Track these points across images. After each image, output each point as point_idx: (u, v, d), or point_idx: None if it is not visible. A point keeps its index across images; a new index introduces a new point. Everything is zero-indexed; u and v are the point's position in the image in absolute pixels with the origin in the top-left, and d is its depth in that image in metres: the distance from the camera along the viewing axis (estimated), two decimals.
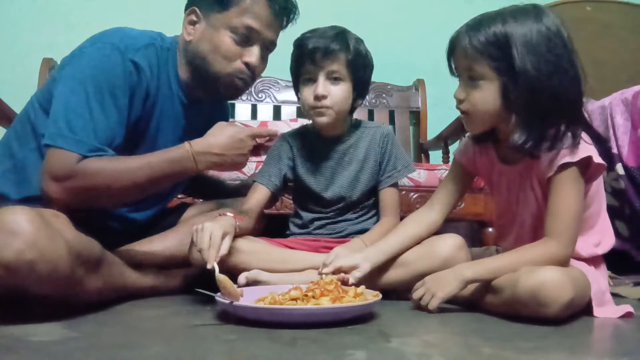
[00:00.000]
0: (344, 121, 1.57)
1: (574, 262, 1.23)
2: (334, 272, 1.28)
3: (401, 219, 1.49)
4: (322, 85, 1.45)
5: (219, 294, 1.15)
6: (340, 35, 1.47)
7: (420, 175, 2.10)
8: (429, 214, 1.42)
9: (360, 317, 1.12)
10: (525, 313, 1.12)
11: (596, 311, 1.19)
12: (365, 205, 1.57)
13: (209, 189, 1.75)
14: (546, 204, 1.23)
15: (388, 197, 1.55)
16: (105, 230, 1.28)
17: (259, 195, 1.52)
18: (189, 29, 1.39)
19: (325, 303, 1.10)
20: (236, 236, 1.34)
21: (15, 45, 2.61)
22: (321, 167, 1.57)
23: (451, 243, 1.36)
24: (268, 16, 1.39)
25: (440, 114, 2.68)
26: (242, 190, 1.67)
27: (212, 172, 1.79)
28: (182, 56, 1.41)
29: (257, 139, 1.42)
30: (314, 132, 1.60)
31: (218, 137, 1.33)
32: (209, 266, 1.21)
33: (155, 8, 2.47)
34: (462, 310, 1.26)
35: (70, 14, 2.63)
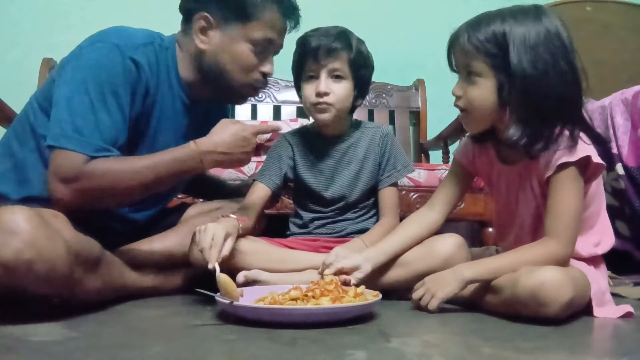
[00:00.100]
0: (344, 121, 1.57)
1: (573, 262, 1.23)
2: (335, 274, 1.28)
3: (401, 219, 1.49)
4: (324, 82, 1.47)
5: (219, 294, 1.15)
6: (343, 34, 1.49)
7: (420, 175, 2.10)
8: (430, 214, 1.42)
9: (360, 317, 1.12)
10: (525, 313, 1.12)
11: (596, 311, 1.19)
12: (365, 205, 1.57)
13: (209, 189, 1.75)
14: (545, 204, 1.23)
15: (387, 196, 1.56)
16: (105, 230, 1.28)
17: (259, 194, 1.52)
18: (202, 37, 1.38)
19: (325, 303, 1.10)
20: (238, 236, 1.35)
21: (15, 45, 2.61)
22: (321, 166, 1.57)
23: (451, 243, 1.37)
24: (281, 25, 1.42)
25: (440, 114, 2.68)
26: (242, 190, 1.67)
27: (213, 171, 1.79)
28: (191, 60, 1.41)
29: (260, 136, 1.42)
30: (314, 131, 1.61)
31: (222, 135, 1.33)
32: (209, 266, 1.21)
33: (155, 8, 2.47)
34: (462, 310, 1.26)
35: (70, 14, 2.63)
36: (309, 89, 1.49)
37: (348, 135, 1.58)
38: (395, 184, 1.57)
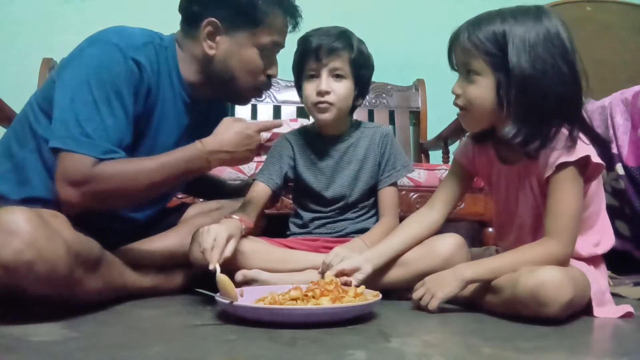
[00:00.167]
0: (344, 121, 1.58)
1: (573, 262, 1.23)
2: (336, 275, 1.28)
3: (401, 219, 1.49)
4: (325, 81, 1.47)
5: (219, 293, 1.15)
6: (344, 34, 1.50)
7: (420, 175, 2.10)
8: (430, 214, 1.42)
9: (360, 317, 1.12)
10: (525, 313, 1.12)
11: (596, 311, 1.19)
12: (365, 205, 1.57)
13: (209, 189, 1.75)
14: (545, 204, 1.23)
15: (387, 196, 1.56)
16: (105, 230, 1.28)
17: (260, 193, 1.52)
18: (210, 42, 1.38)
19: (325, 303, 1.10)
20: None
21: (15, 45, 2.61)
22: (322, 166, 1.57)
23: (451, 243, 1.37)
24: (286, 27, 1.44)
25: (440, 114, 2.68)
26: (242, 190, 1.67)
27: (213, 171, 1.79)
28: (196, 63, 1.41)
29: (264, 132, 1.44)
30: (314, 131, 1.61)
31: (227, 134, 1.34)
32: (210, 267, 1.22)
33: (155, 8, 2.46)
34: (462, 310, 1.26)
35: (69, 14, 2.63)
36: (310, 88, 1.50)
37: (348, 135, 1.58)
38: (395, 184, 1.57)
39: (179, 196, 1.81)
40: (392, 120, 2.85)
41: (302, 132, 1.63)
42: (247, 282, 1.35)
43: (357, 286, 1.23)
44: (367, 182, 1.56)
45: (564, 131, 1.20)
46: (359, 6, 2.81)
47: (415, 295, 1.26)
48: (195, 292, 1.21)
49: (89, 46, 1.30)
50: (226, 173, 1.99)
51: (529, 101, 1.18)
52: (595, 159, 1.20)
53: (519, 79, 1.17)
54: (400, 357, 0.88)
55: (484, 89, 1.22)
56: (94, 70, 1.26)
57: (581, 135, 1.21)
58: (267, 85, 1.48)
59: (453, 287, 1.21)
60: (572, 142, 1.19)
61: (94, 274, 1.19)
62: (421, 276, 1.29)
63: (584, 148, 1.20)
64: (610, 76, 2.58)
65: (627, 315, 1.21)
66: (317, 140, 1.59)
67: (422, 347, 0.95)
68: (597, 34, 2.81)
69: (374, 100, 2.82)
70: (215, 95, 1.50)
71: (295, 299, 1.13)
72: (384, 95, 2.84)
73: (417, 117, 2.87)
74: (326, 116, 1.50)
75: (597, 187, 1.29)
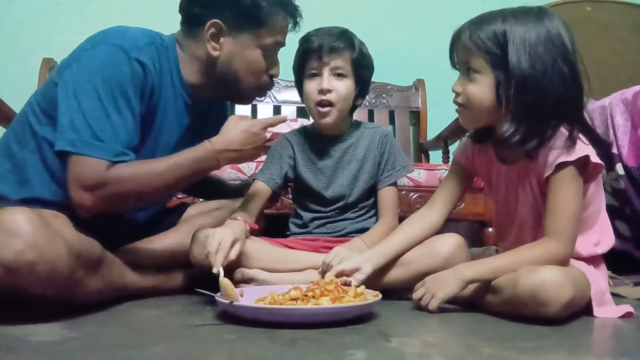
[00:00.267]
0: (344, 121, 1.58)
1: (573, 262, 1.23)
2: (336, 276, 1.28)
3: (401, 219, 1.49)
4: (327, 79, 1.48)
5: (219, 293, 1.15)
6: (345, 33, 1.52)
7: (420, 175, 2.10)
8: (430, 215, 1.42)
9: (360, 317, 1.12)
10: (525, 313, 1.12)
11: (596, 311, 1.19)
12: (364, 205, 1.58)
13: (209, 189, 1.75)
14: (545, 204, 1.23)
15: (387, 196, 1.56)
16: (105, 230, 1.28)
17: (260, 193, 1.53)
18: (213, 43, 1.39)
19: (325, 303, 1.10)
20: None
21: (15, 45, 2.61)
22: (321, 166, 1.57)
23: (451, 242, 1.37)
24: (287, 28, 1.44)
25: (440, 114, 2.68)
26: (242, 190, 1.67)
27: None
28: (198, 64, 1.41)
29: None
30: (314, 131, 1.61)
31: (234, 133, 1.35)
32: (214, 270, 1.22)
33: (155, 8, 2.47)
34: (462, 310, 1.26)
35: (69, 14, 2.63)
36: (312, 87, 1.50)
37: (348, 135, 1.59)
38: (394, 184, 1.57)
39: (179, 196, 1.81)
40: (392, 120, 2.85)
41: (302, 132, 1.63)
42: (246, 280, 1.35)
43: (357, 286, 1.23)
44: (367, 182, 1.56)
45: (564, 131, 1.20)
46: (359, 6, 2.81)
47: (416, 295, 1.26)
48: (195, 292, 1.21)
49: (91, 47, 1.29)
50: (226, 173, 1.99)
51: (528, 100, 1.18)
52: (595, 159, 1.20)
53: (518, 78, 1.18)
54: (400, 357, 0.88)
55: (483, 87, 1.22)
56: (99, 72, 1.25)
57: (581, 135, 1.22)
58: (270, 85, 1.49)
59: (453, 287, 1.21)
60: (571, 142, 1.19)
61: (94, 274, 1.19)
62: (421, 276, 1.29)
63: (584, 148, 1.20)
64: (610, 76, 2.58)
65: (627, 315, 1.21)
66: (317, 140, 1.59)
67: (422, 347, 0.95)
68: (597, 34, 2.81)
69: (374, 100, 2.82)
70: (217, 95, 1.50)
71: (295, 299, 1.13)
72: (384, 95, 2.84)
73: (417, 117, 2.87)
74: (327, 120, 1.51)
75: (596, 187, 1.29)
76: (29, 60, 2.52)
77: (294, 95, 2.41)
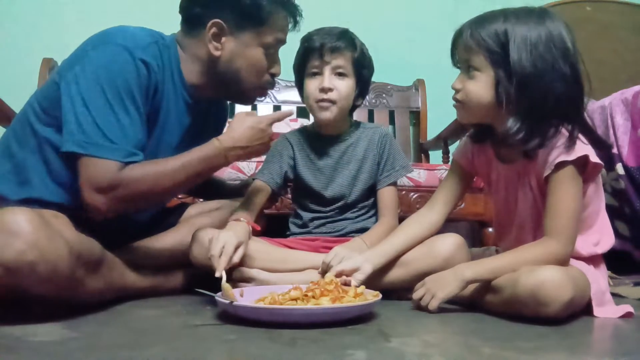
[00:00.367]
0: (344, 120, 1.58)
1: (573, 262, 1.23)
2: (336, 276, 1.28)
3: (401, 219, 1.49)
4: (328, 78, 1.49)
5: (219, 293, 1.15)
6: (347, 33, 1.53)
7: (420, 175, 2.10)
8: (430, 215, 1.42)
9: (360, 317, 1.12)
10: (525, 313, 1.12)
11: (596, 311, 1.19)
12: (364, 204, 1.58)
13: (209, 189, 1.75)
14: (544, 204, 1.23)
15: (386, 196, 1.56)
16: (106, 230, 1.28)
17: (260, 192, 1.53)
18: (215, 43, 1.38)
19: (325, 303, 1.10)
20: None
21: (15, 45, 2.61)
22: (321, 165, 1.57)
23: (451, 242, 1.37)
24: (287, 26, 1.44)
25: (440, 114, 2.68)
26: (242, 190, 1.67)
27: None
28: (199, 64, 1.41)
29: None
30: (314, 131, 1.61)
31: (241, 130, 1.35)
32: (217, 274, 1.23)
33: (155, 8, 2.46)
34: (462, 310, 1.26)
35: (70, 14, 2.63)
36: (312, 85, 1.51)
37: (347, 135, 1.59)
38: (394, 184, 1.57)
39: (179, 196, 1.81)
40: (392, 120, 2.85)
41: (302, 132, 1.63)
42: (245, 279, 1.35)
43: (357, 286, 1.23)
44: (366, 182, 1.56)
45: (564, 131, 1.20)
46: (359, 6, 2.81)
47: (416, 295, 1.26)
48: (195, 292, 1.21)
49: (94, 48, 1.28)
50: (226, 173, 1.99)
51: (529, 99, 1.19)
52: (594, 158, 1.20)
53: (519, 76, 1.18)
54: (400, 357, 0.88)
55: (482, 84, 1.23)
56: (104, 72, 1.25)
57: (580, 135, 1.22)
58: (271, 84, 1.49)
59: (453, 287, 1.21)
60: (571, 141, 1.19)
61: (94, 274, 1.19)
62: (421, 276, 1.29)
63: (583, 148, 1.20)
64: (610, 76, 2.58)
65: (627, 315, 1.21)
66: (317, 140, 1.60)
67: (422, 347, 0.95)
68: (597, 34, 2.81)
69: (374, 100, 2.82)
70: (219, 95, 1.50)
71: (295, 299, 1.13)
72: (384, 95, 2.84)
73: (417, 117, 2.87)
74: (327, 115, 1.51)
75: (596, 187, 1.29)
76: (29, 60, 2.52)
77: (294, 95, 2.41)
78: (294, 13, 1.44)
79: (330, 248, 1.40)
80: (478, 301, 1.25)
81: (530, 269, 1.13)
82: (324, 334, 1.01)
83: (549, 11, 1.24)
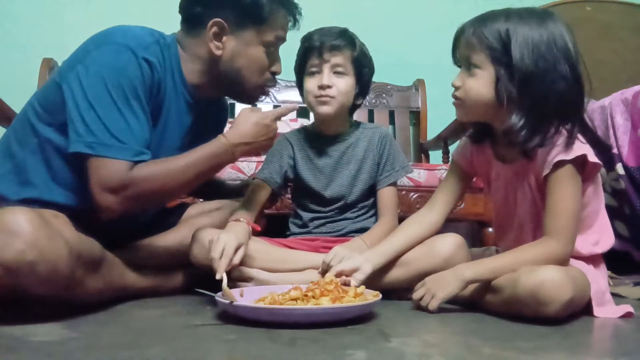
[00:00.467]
0: (344, 120, 1.58)
1: (573, 262, 1.23)
2: (336, 276, 1.28)
3: (401, 219, 1.49)
4: (327, 76, 1.49)
5: (219, 293, 1.15)
6: (346, 32, 1.53)
7: (420, 175, 2.10)
8: (429, 215, 1.42)
9: (360, 317, 1.12)
10: (525, 312, 1.12)
11: (596, 311, 1.19)
12: (364, 205, 1.58)
13: (209, 189, 1.75)
14: (544, 203, 1.23)
15: (386, 196, 1.56)
16: (106, 230, 1.28)
17: (260, 192, 1.53)
18: (216, 42, 1.39)
19: (325, 303, 1.10)
20: None
21: (15, 45, 2.61)
22: (321, 165, 1.57)
23: (451, 242, 1.37)
24: (287, 24, 1.45)
25: (440, 114, 2.68)
26: (242, 190, 1.67)
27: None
28: (200, 64, 1.41)
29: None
30: (314, 131, 1.61)
31: (246, 126, 1.36)
32: (217, 276, 1.23)
33: (155, 8, 2.46)
34: (462, 310, 1.26)
35: (70, 14, 2.63)
36: (312, 83, 1.51)
37: (347, 135, 1.59)
38: (394, 184, 1.57)
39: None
40: (392, 121, 2.85)
41: (302, 132, 1.63)
42: (244, 279, 1.35)
43: (357, 286, 1.23)
44: (366, 182, 1.56)
45: (563, 131, 1.21)
46: (359, 6, 2.81)
47: (416, 295, 1.26)
48: (195, 292, 1.21)
49: (96, 48, 1.28)
50: (226, 173, 1.99)
51: (531, 98, 1.19)
52: (592, 158, 1.21)
53: (521, 74, 1.18)
54: (400, 357, 0.88)
55: (482, 81, 1.23)
56: (108, 72, 1.25)
57: (579, 135, 1.22)
58: (273, 83, 1.49)
59: (453, 287, 1.21)
60: (570, 141, 1.19)
61: (94, 274, 1.19)
62: (421, 276, 1.29)
63: (581, 147, 1.20)
64: (610, 76, 2.58)
65: (627, 315, 1.21)
66: (317, 140, 1.60)
67: (422, 347, 0.95)
68: (597, 34, 2.81)
69: (374, 100, 2.82)
70: (220, 95, 1.51)
71: (295, 299, 1.13)
72: (384, 95, 2.84)
73: (417, 117, 2.87)
74: (327, 109, 1.51)
75: (595, 187, 1.29)
76: (29, 60, 2.52)
77: (294, 95, 2.41)
78: (293, 11, 1.44)
79: (330, 248, 1.40)
80: (478, 301, 1.25)
81: (530, 269, 1.13)
82: (324, 334, 1.01)
83: (550, 12, 1.25)
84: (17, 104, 1.68)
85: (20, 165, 1.31)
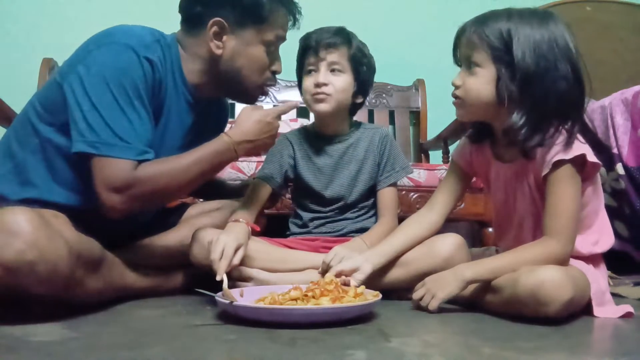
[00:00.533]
0: (343, 120, 1.58)
1: (573, 261, 1.23)
2: (335, 275, 1.28)
3: (401, 219, 1.50)
4: (324, 74, 1.50)
5: (219, 293, 1.15)
6: (342, 30, 1.53)
7: (420, 175, 2.10)
8: (429, 215, 1.42)
9: (360, 317, 1.12)
10: (525, 312, 1.12)
11: (596, 311, 1.19)
12: (364, 205, 1.58)
13: (209, 189, 1.74)
14: (543, 203, 1.23)
15: (386, 197, 1.56)
16: (106, 230, 1.28)
17: (260, 191, 1.53)
18: (217, 42, 1.39)
19: (325, 303, 1.10)
20: None
21: (15, 45, 2.61)
22: (321, 166, 1.57)
23: (451, 242, 1.37)
24: (287, 23, 1.45)
25: (440, 114, 2.68)
26: (242, 190, 1.67)
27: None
28: (200, 63, 1.41)
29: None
30: (314, 131, 1.61)
31: (248, 124, 1.37)
32: (218, 278, 1.23)
33: (155, 8, 2.47)
34: (462, 310, 1.26)
35: (70, 14, 2.63)
36: (309, 81, 1.52)
37: (348, 135, 1.59)
38: (394, 185, 1.58)
39: None
40: (392, 121, 2.85)
41: (302, 132, 1.64)
42: (244, 279, 1.35)
43: (357, 286, 1.23)
44: (366, 183, 1.56)
45: (563, 131, 1.21)
46: (359, 6, 2.81)
47: (416, 295, 1.26)
48: (195, 292, 1.21)
49: (97, 47, 1.28)
50: (226, 173, 1.99)
51: (531, 97, 1.19)
52: (592, 157, 1.21)
53: (522, 74, 1.18)
54: (400, 357, 0.88)
55: (483, 80, 1.23)
56: (109, 71, 1.24)
57: (579, 135, 1.22)
58: (273, 82, 1.49)
59: (453, 288, 1.21)
60: (569, 141, 1.19)
61: (94, 274, 1.19)
62: (421, 276, 1.29)
63: (580, 147, 1.21)
64: (610, 76, 2.58)
65: (627, 315, 1.21)
66: (317, 140, 1.60)
67: (422, 347, 0.95)
68: (597, 34, 2.81)
69: (374, 100, 2.82)
70: (221, 94, 1.51)
71: (295, 299, 1.13)
72: (384, 95, 2.84)
73: (417, 117, 2.87)
74: (323, 106, 1.51)
75: (594, 187, 1.29)
76: (29, 60, 2.52)
77: (294, 95, 2.41)
78: (293, 10, 1.45)
79: (330, 248, 1.40)
80: (478, 301, 1.25)
81: (530, 269, 1.13)
82: (324, 334, 1.01)
83: (551, 13, 1.25)
84: (17, 104, 1.68)
85: (21, 165, 1.31)
